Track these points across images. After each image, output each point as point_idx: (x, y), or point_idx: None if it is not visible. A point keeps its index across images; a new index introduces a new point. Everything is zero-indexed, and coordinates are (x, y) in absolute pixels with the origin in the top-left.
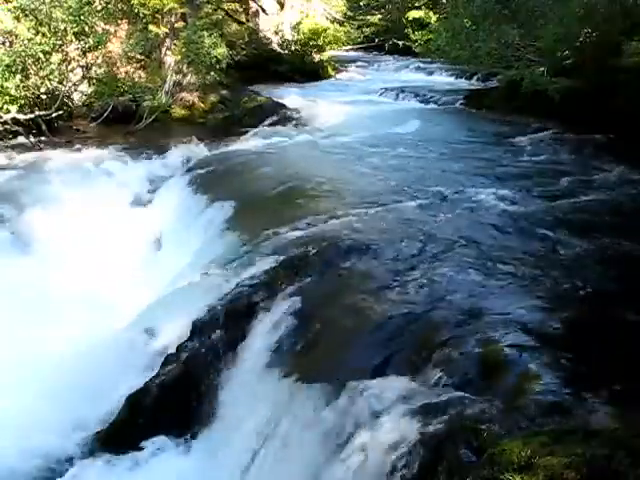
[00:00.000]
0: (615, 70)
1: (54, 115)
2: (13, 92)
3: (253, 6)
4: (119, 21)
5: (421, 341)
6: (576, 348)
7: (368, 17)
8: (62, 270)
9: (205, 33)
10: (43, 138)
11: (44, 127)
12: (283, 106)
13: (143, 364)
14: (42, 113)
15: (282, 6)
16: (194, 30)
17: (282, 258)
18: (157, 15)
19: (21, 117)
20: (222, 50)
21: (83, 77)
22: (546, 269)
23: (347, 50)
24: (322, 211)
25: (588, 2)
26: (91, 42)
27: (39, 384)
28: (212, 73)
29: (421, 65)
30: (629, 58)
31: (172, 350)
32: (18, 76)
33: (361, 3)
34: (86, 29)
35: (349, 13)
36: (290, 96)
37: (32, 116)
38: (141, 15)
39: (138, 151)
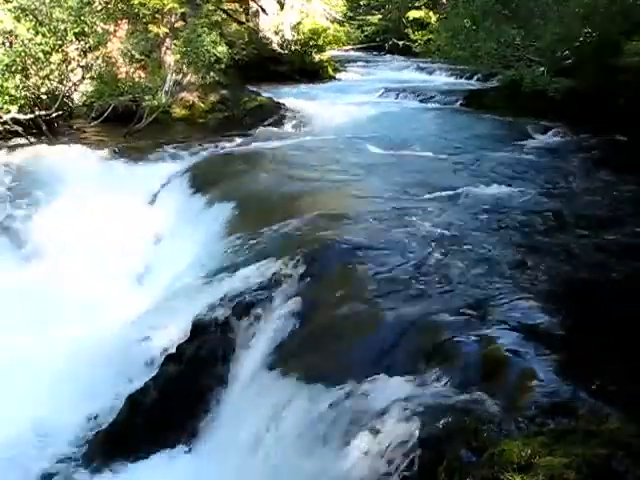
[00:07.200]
0: (615, 70)
1: (54, 115)
2: (13, 92)
3: (253, 6)
4: (119, 21)
5: (421, 341)
6: (577, 348)
7: (368, 17)
8: (62, 271)
9: (206, 29)
10: (43, 138)
11: (44, 127)
12: (283, 106)
13: (143, 364)
14: (42, 113)
15: (282, 6)
16: (193, 29)
17: (282, 258)
18: (157, 15)
19: (21, 117)
20: (222, 48)
21: (83, 77)
22: (547, 269)
23: (347, 50)
24: (322, 211)
25: (588, 2)
26: (91, 42)
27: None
28: (212, 73)
29: (421, 65)
30: (629, 58)
31: (172, 350)
32: (18, 76)
33: (361, 3)
34: (86, 29)
35: (349, 13)
36: (290, 96)
37: (32, 116)
38: (141, 15)
39: (138, 151)
